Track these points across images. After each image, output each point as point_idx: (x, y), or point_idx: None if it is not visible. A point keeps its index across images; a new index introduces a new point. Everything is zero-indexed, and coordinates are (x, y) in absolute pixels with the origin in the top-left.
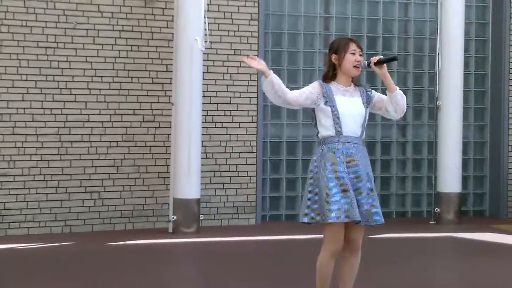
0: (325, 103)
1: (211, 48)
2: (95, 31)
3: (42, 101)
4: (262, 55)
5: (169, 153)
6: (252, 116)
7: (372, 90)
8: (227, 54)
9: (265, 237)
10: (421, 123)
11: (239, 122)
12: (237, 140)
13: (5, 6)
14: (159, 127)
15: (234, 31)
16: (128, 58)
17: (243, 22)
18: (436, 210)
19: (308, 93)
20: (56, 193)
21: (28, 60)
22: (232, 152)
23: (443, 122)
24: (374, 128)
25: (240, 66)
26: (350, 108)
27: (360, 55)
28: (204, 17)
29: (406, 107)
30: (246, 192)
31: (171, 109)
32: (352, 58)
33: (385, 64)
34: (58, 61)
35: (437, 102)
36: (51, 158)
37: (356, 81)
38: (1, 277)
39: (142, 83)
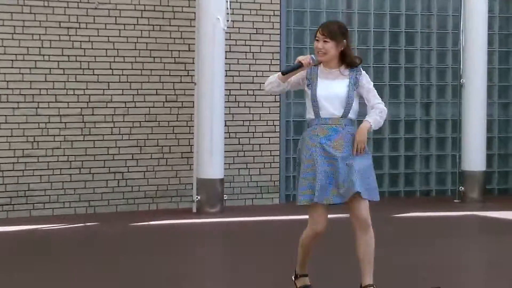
0: (307, 85)
1: (233, 27)
2: (117, 11)
3: (64, 81)
4: (284, 33)
5: (192, 133)
6: (275, 95)
7: (362, 74)
8: (249, 33)
9: (288, 216)
10: (445, 101)
11: (262, 101)
12: (260, 120)
13: None
14: (182, 107)
15: (256, 9)
16: (150, 38)
17: (265, 1)
18: (461, 188)
19: (293, 78)
20: (80, 173)
21: (50, 40)
22: (255, 132)
23: (467, 100)
24: (398, 106)
25: (263, 45)
26: (328, 91)
27: (325, 41)
28: None
29: (266, 89)
30: (270, 171)
31: (193, 89)
32: (315, 45)
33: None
34: (80, 41)
35: (461, 79)
36: (75, 138)
37: (354, 62)
38: (26, 258)
39: (164, 63)
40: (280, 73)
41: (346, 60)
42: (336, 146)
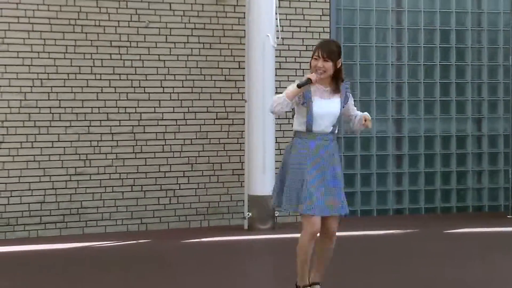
0: (303, 103)
1: (283, 44)
2: (167, 29)
3: (116, 100)
4: None
5: (243, 149)
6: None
7: (349, 94)
8: (299, 50)
9: (341, 233)
10: (496, 116)
11: None
12: None
13: (78, 6)
14: (232, 124)
15: (306, 26)
16: (200, 56)
17: (315, 18)
18: None
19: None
20: (131, 191)
21: (101, 59)
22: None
23: None
24: (449, 121)
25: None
26: (325, 109)
27: (325, 60)
28: (276, 13)
29: (274, 111)
30: None
31: (244, 106)
32: (313, 63)
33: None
34: (131, 60)
35: None
36: (126, 156)
37: (343, 79)
38: (78, 275)
39: (215, 80)
40: (285, 93)
41: (338, 77)
42: (325, 159)
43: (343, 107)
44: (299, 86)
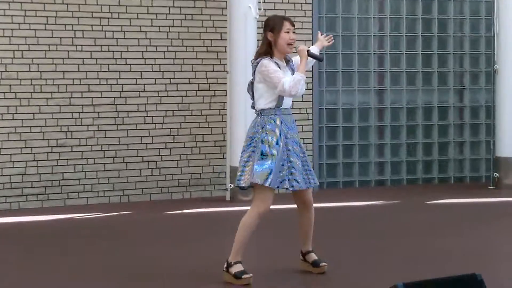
0: None
1: (265, 15)
2: (148, 0)
3: (97, 71)
4: (316, 21)
5: (225, 121)
6: (308, 83)
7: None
8: None
9: (322, 204)
10: (478, 88)
11: None
12: (293, 108)
13: None
14: (214, 95)
15: None
16: (182, 27)
17: None
18: (495, 175)
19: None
20: (113, 163)
21: (83, 31)
22: None
23: (501, 86)
24: (431, 93)
25: (295, 33)
26: None
27: (293, 32)
28: None
29: (299, 92)
30: None
31: (226, 78)
32: (287, 36)
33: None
34: (112, 31)
35: (495, 66)
36: (108, 128)
37: (285, 57)
38: (60, 246)
39: (196, 51)
40: (300, 71)
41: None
42: (294, 134)
43: None
44: (314, 57)
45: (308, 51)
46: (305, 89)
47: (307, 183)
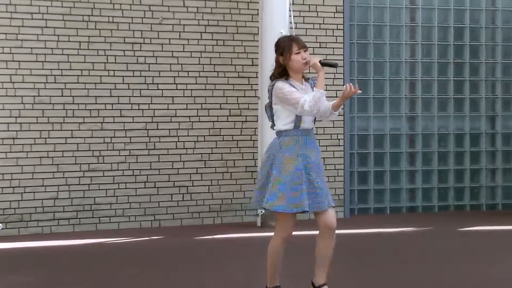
0: None
1: None
2: (180, 26)
3: (129, 96)
4: (347, 47)
5: (256, 147)
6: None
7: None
8: (313, 47)
9: (354, 230)
10: (510, 114)
11: None
12: (324, 133)
13: (92, 2)
14: (245, 121)
15: (319, 23)
16: (214, 53)
17: (328, 15)
18: None
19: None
20: (145, 187)
21: (115, 56)
22: (319, 145)
23: None
24: (463, 119)
25: (326, 59)
26: None
27: (305, 51)
28: (289, 10)
29: (321, 110)
30: (334, 185)
31: (257, 103)
32: (298, 57)
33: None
34: (144, 56)
35: None
36: (139, 153)
37: (303, 75)
38: (92, 271)
39: (228, 77)
40: (319, 87)
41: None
42: (312, 156)
43: None
44: (328, 65)
45: (320, 61)
46: (338, 115)
47: (328, 204)
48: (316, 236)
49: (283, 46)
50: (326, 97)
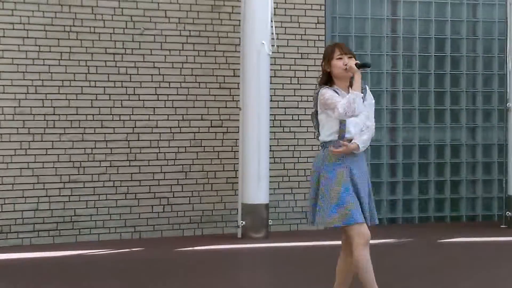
0: None
1: (278, 52)
2: (162, 36)
3: (110, 107)
4: None
5: (237, 158)
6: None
7: (366, 88)
8: (294, 58)
9: (334, 241)
10: (490, 126)
11: (307, 126)
12: (305, 145)
13: (73, 13)
14: (227, 132)
15: (301, 34)
16: (195, 63)
17: (310, 26)
18: (508, 214)
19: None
20: (125, 199)
21: (96, 66)
22: (300, 157)
23: None
24: (443, 130)
25: (307, 70)
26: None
27: (349, 57)
28: (271, 20)
29: (356, 112)
30: None
31: (238, 114)
32: (339, 63)
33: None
34: (126, 67)
35: (507, 104)
36: (120, 164)
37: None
38: (72, 283)
39: (209, 88)
40: (355, 89)
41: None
42: (360, 168)
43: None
44: (362, 66)
45: (356, 64)
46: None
47: (371, 220)
48: (339, 254)
49: (326, 52)
50: None
